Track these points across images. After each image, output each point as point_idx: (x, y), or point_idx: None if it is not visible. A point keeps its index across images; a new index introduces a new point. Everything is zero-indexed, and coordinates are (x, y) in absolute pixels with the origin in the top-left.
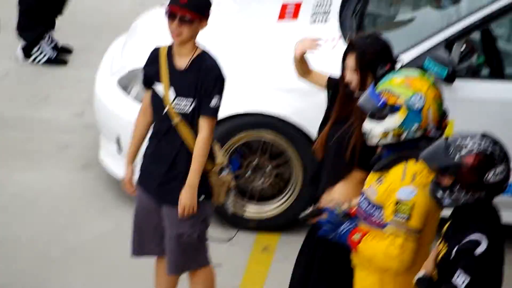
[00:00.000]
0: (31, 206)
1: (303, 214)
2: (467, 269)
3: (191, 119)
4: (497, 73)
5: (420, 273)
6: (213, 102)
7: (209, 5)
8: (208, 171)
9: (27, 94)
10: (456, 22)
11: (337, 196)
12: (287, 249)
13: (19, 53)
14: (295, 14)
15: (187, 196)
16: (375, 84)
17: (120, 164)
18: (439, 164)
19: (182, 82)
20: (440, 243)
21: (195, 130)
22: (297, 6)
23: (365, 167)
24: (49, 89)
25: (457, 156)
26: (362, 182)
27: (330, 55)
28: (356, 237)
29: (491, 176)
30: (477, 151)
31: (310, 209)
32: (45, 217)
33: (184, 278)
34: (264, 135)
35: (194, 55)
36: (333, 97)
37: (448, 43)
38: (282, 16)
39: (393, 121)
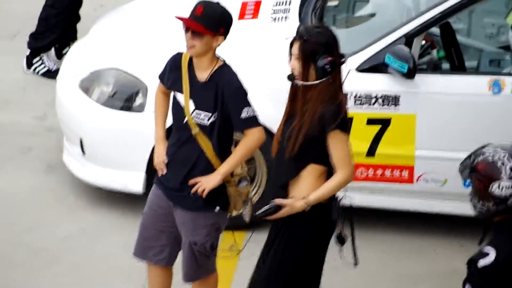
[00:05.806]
0: None
1: (260, 211)
2: (471, 281)
3: (209, 131)
4: (457, 67)
5: None
6: (243, 115)
7: (223, 21)
8: (226, 181)
9: None
10: (416, 17)
11: (296, 194)
12: (253, 246)
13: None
14: (255, 13)
15: (210, 179)
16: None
17: (84, 166)
18: (460, 166)
19: (201, 95)
20: None
21: (213, 141)
22: (257, 4)
23: (319, 161)
24: (10, 92)
25: (474, 162)
26: (320, 176)
27: None
28: None
29: (495, 188)
30: (487, 160)
31: (268, 206)
32: (8, 220)
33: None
34: None
35: (214, 68)
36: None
37: (408, 38)
38: (242, 15)
39: None
